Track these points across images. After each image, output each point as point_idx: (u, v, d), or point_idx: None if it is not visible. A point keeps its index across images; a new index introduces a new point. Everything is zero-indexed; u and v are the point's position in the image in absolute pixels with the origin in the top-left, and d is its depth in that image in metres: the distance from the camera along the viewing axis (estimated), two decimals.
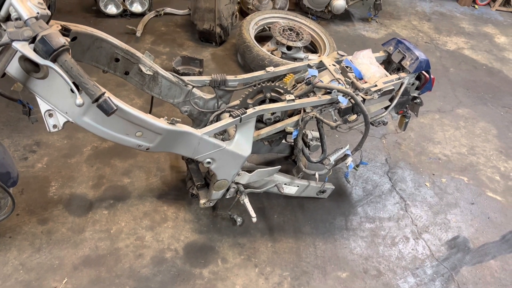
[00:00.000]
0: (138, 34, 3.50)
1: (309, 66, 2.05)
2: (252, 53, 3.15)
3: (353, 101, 1.89)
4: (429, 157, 2.90)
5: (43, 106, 1.41)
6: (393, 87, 2.04)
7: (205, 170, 2.16)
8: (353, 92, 1.91)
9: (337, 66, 2.06)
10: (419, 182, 2.68)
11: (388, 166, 2.75)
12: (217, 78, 1.99)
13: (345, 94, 1.88)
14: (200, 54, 3.50)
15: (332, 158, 2.08)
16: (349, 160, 2.08)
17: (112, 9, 3.70)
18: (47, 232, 1.98)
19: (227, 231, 2.15)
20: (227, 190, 2.03)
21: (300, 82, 2.10)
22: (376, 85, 1.98)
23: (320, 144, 2.37)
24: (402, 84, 2.08)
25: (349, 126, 2.02)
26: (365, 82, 2.01)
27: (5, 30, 1.29)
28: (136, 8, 3.75)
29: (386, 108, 2.12)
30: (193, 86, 2.00)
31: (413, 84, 2.20)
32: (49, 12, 1.23)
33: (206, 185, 2.12)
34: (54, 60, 1.16)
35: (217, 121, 2.03)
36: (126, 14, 3.77)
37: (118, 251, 1.96)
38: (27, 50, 1.16)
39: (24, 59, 1.32)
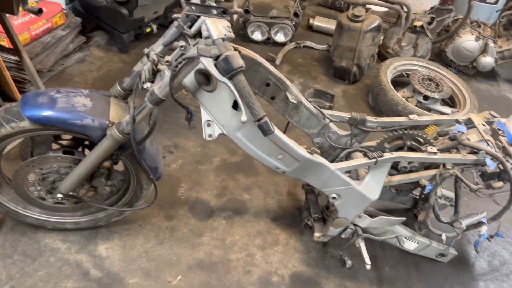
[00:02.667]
0: (277, 62, 3.68)
1: (458, 121, 1.96)
2: (386, 96, 3.11)
3: (501, 167, 1.76)
4: None
5: (205, 116, 1.56)
6: None
7: (323, 203, 2.16)
8: (504, 157, 1.77)
9: (487, 126, 1.94)
10: None
11: None
12: (357, 117, 2.00)
13: (494, 158, 1.75)
14: (332, 89, 3.55)
15: (465, 223, 1.93)
16: (484, 228, 1.92)
17: (257, 36, 3.96)
18: (171, 228, 2.15)
19: (334, 271, 2.11)
20: (344, 229, 2.00)
21: (443, 136, 2.01)
22: None
23: (447, 203, 2.23)
24: None
25: (491, 193, 1.87)
26: None
27: (189, 45, 1.47)
28: (279, 38, 3.97)
29: None
30: (331, 120, 2.04)
31: None
32: (233, 35, 1.36)
33: (323, 219, 2.12)
34: (230, 78, 1.28)
35: (346, 158, 2.03)
36: (269, 42, 4.00)
37: (229, 263, 2.04)
38: (210, 66, 1.30)
39: (199, 72, 1.49)
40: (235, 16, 1.43)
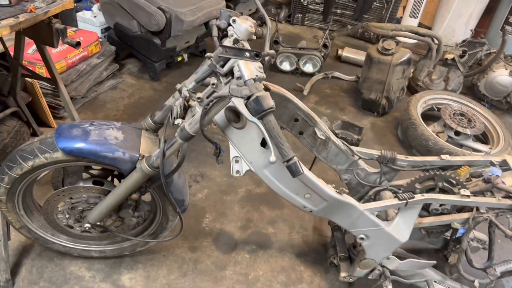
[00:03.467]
0: (305, 92, 3.69)
1: (492, 163, 1.90)
2: (416, 131, 3.06)
3: None
4: None
5: (233, 152, 1.56)
6: None
7: (350, 241, 2.11)
8: None
9: None
10: None
11: None
12: (387, 155, 1.96)
13: None
14: (360, 121, 3.51)
15: (499, 269, 1.85)
16: None
17: (286, 66, 4.00)
18: (194, 260, 2.13)
19: None
20: (372, 270, 1.94)
21: (476, 177, 1.95)
22: None
23: (480, 246, 2.14)
24: None
25: None
26: None
27: (221, 83, 1.49)
28: (308, 68, 3.99)
29: None
30: (360, 157, 2.01)
31: None
32: (264, 76, 1.37)
33: (349, 258, 2.06)
34: (260, 118, 1.28)
35: (375, 197, 1.99)
36: (297, 72, 4.03)
37: None
38: (241, 106, 1.31)
39: (229, 109, 1.50)
40: (267, 57, 1.44)
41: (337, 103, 3.75)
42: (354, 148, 1.99)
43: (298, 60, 3.94)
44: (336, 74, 4.10)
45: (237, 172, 1.58)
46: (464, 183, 1.85)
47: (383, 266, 1.92)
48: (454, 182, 1.80)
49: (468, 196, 1.72)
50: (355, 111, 3.68)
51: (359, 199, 2.08)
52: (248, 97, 1.29)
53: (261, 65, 1.38)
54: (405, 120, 3.20)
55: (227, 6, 3.81)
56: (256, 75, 1.33)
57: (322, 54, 3.95)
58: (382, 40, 3.48)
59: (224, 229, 2.33)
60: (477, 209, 1.79)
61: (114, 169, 1.75)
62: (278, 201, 2.58)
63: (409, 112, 3.19)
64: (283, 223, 2.45)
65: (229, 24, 1.49)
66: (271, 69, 4.06)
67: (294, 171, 1.27)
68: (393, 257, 1.87)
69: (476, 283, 1.87)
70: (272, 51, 1.41)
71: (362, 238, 1.78)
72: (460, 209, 1.87)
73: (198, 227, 2.31)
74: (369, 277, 1.97)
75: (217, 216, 2.40)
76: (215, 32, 1.50)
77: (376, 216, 1.84)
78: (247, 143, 1.53)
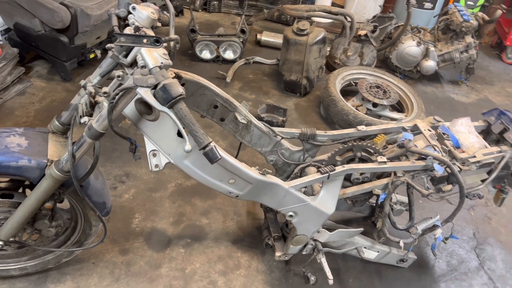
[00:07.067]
0: (228, 79, 3.66)
1: (404, 129, 2.00)
2: (336, 107, 3.16)
3: (449, 171, 1.80)
4: None
5: (149, 146, 1.50)
6: (493, 160, 1.92)
7: (283, 220, 2.14)
8: (450, 161, 1.82)
9: (433, 131, 1.99)
10: (511, 264, 2.44)
11: (476, 241, 2.54)
12: (307, 132, 2.00)
13: (442, 162, 1.79)
14: (284, 103, 3.57)
15: (420, 228, 1.97)
16: (439, 232, 1.96)
17: (206, 55, 3.94)
18: (127, 263, 2.05)
19: None
20: (305, 246, 1.98)
21: (392, 144, 2.05)
22: (475, 156, 1.87)
23: (403, 209, 2.27)
24: (503, 157, 1.95)
25: (442, 196, 1.91)
26: (463, 152, 1.91)
27: (127, 74, 1.42)
28: (228, 55, 3.96)
29: (483, 180, 1.99)
30: (282, 137, 2.03)
31: None
32: (170, 62, 1.32)
33: (283, 237, 2.09)
34: (170, 107, 1.23)
35: (301, 174, 2.03)
36: (218, 60, 3.99)
37: None
38: (148, 96, 1.25)
39: (140, 101, 1.43)
40: (172, 43, 1.39)
41: (260, 87, 3.77)
42: (276, 129, 2.01)
43: (218, 48, 3.89)
44: (257, 58, 4.11)
45: (156, 166, 1.52)
46: (380, 150, 1.94)
47: (315, 240, 1.97)
48: (371, 150, 1.87)
49: (385, 162, 1.80)
50: (278, 93, 3.73)
51: (287, 178, 2.11)
52: (155, 86, 1.24)
53: (166, 51, 1.33)
54: (325, 97, 3.29)
55: None
56: (162, 62, 1.28)
57: (241, 40, 3.94)
58: (297, 21, 3.53)
59: (156, 227, 2.26)
60: (395, 173, 1.88)
61: (23, 179, 1.61)
62: (210, 191, 2.54)
63: (329, 89, 3.29)
64: (217, 212, 2.43)
65: (129, 12, 1.42)
66: (192, 58, 3.99)
67: (211, 158, 1.25)
68: (323, 229, 1.92)
69: (401, 243, 1.98)
70: (176, 36, 1.37)
71: (291, 216, 1.80)
72: (380, 175, 1.96)
73: (127, 229, 2.22)
74: (303, 253, 2.01)
75: (147, 215, 2.32)
76: (114, 21, 1.42)
77: (304, 192, 1.88)
78: (163, 135, 1.47)
